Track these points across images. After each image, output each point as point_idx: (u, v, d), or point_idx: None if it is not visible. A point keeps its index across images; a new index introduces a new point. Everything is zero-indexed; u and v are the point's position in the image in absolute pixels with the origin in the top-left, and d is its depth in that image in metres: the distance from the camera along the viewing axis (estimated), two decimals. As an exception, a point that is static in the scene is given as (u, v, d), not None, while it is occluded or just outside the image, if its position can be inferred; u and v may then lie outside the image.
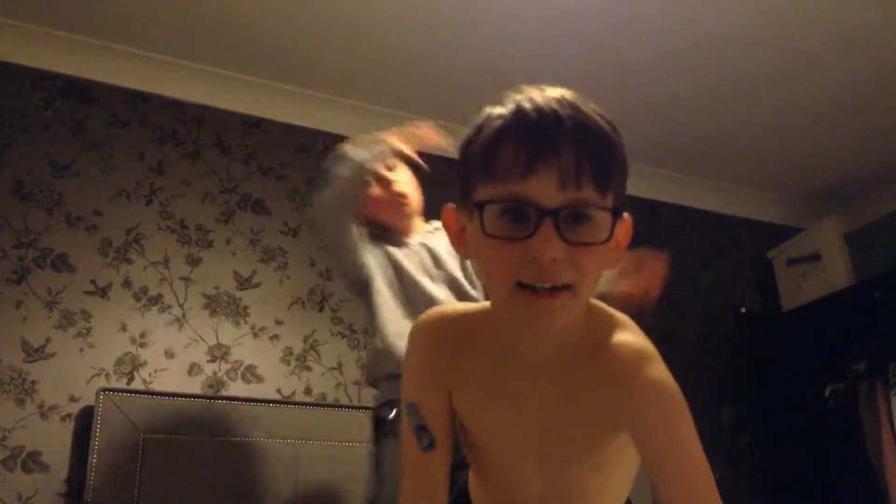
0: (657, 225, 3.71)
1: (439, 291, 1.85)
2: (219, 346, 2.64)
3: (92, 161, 2.64)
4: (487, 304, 0.89)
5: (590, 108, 0.79)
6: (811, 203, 4.01)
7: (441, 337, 0.89)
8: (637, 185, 3.66)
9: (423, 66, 2.89)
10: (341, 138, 3.08)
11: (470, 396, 0.88)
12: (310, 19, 2.63)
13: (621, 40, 2.77)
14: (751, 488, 3.42)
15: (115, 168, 2.67)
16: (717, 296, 3.72)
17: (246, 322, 2.70)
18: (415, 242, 1.99)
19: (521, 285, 0.74)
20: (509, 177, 0.74)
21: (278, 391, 2.66)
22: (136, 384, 2.46)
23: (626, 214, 0.79)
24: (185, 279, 2.66)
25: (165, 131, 2.80)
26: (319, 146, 3.05)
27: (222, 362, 2.62)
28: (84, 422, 2.33)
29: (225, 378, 2.61)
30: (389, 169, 1.96)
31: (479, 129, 0.79)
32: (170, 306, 2.60)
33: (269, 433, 2.48)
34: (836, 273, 3.38)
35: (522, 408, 0.86)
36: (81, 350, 2.43)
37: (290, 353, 2.73)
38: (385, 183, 1.97)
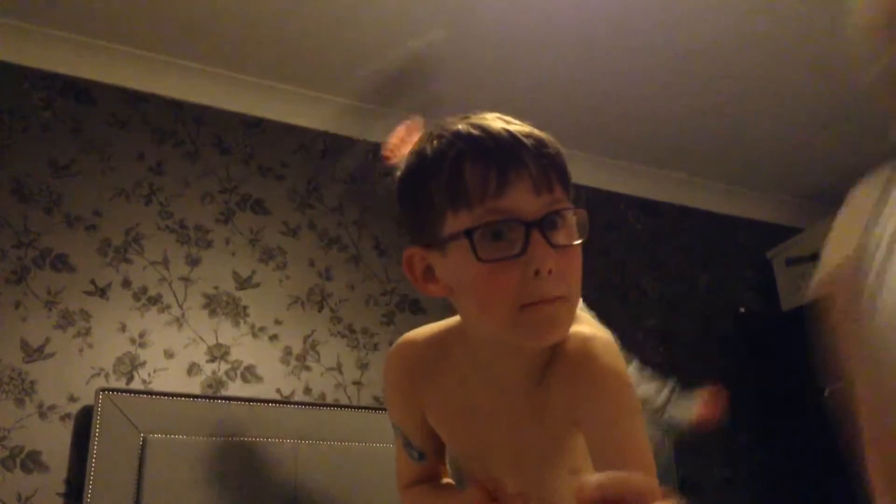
0: (657, 225, 3.71)
1: None
2: (218, 345, 2.63)
3: (91, 161, 2.64)
4: (456, 319, 0.88)
5: (524, 123, 0.79)
6: (811, 203, 4.01)
7: (410, 365, 0.89)
8: (637, 185, 3.66)
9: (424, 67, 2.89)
10: (341, 138, 3.10)
11: (444, 413, 0.89)
12: (310, 19, 2.63)
13: (621, 41, 2.77)
14: (751, 488, 3.42)
15: (114, 168, 2.67)
16: (716, 296, 3.72)
17: (245, 322, 2.70)
18: None
19: (521, 307, 0.73)
20: (485, 196, 0.73)
21: (278, 391, 2.66)
22: (136, 384, 2.46)
23: (580, 210, 0.78)
24: (185, 279, 2.66)
25: (165, 131, 2.80)
26: (319, 146, 3.05)
27: (222, 362, 2.62)
28: (84, 422, 2.33)
29: (224, 378, 2.61)
30: None
31: (430, 163, 0.77)
32: (169, 306, 2.60)
33: (269, 433, 2.48)
34: (835, 273, 3.37)
35: (494, 421, 0.86)
36: (81, 350, 2.43)
37: (290, 353, 2.73)
38: None
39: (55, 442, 2.30)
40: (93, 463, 2.22)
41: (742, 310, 3.68)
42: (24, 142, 2.56)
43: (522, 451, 0.86)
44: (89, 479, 2.19)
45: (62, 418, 2.34)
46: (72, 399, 2.36)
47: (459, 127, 0.77)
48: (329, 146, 3.07)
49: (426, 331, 0.91)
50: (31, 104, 2.61)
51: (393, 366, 0.92)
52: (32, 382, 2.33)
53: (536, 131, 0.77)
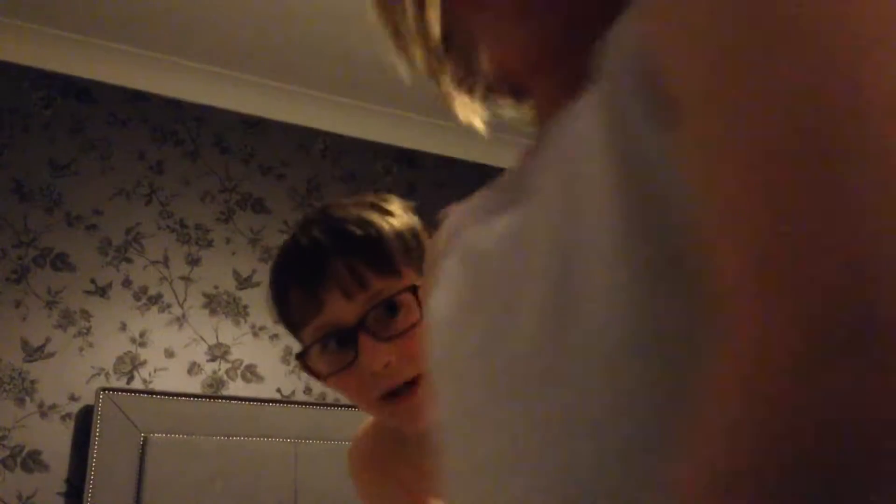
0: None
1: None
2: (218, 345, 2.64)
3: (92, 160, 2.64)
4: None
5: (349, 210, 0.81)
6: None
7: (373, 451, 0.89)
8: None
9: (423, 65, 2.89)
10: (341, 138, 3.10)
11: (411, 485, 0.88)
12: (310, 19, 2.63)
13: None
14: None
15: (114, 167, 2.67)
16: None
17: (246, 321, 2.71)
18: None
19: (383, 398, 0.75)
20: (307, 316, 0.77)
21: (278, 390, 2.67)
22: (136, 384, 2.47)
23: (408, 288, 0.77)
24: (185, 278, 2.66)
25: (165, 131, 2.80)
26: (319, 146, 3.06)
27: (222, 361, 2.63)
28: (84, 421, 2.33)
29: (225, 377, 2.61)
30: None
31: (271, 291, 0.84)
32: (169, 305, 2.61)
33: (269, 433, 2.48)
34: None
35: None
36: (81, 349, 2.43)
37: (290, 353, 2.73)
38: None
39: (55, 441, 2.30)
40: (93, 462, 2.22)
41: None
42: (24, 142, 2.56)
43: None
44: (89, 479, 2.20)
45: (62, 418, 2.34)
46: (72, 399, 2.37)
47: (280, 250, 0.83)
48: (329, 146, 3.07)
49: (366, 427, 0.91)
50: (31, 104, 2.61)
51: (356, 461, 0.90)
52: (33, 382, 2.34)
53: (355, 220, 0.78)
